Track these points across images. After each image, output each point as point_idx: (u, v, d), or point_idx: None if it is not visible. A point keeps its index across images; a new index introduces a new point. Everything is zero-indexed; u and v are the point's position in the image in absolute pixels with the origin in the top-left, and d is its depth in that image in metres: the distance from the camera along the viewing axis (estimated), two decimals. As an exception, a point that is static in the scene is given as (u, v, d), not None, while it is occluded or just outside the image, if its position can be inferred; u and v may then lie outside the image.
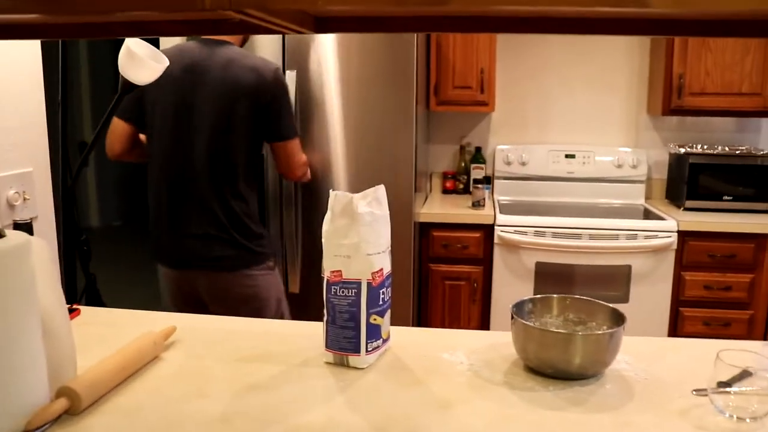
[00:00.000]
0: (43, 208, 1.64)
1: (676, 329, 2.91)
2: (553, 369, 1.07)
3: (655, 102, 3.24)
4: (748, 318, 2.86)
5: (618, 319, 1.15)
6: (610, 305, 1.19)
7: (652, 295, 2.87)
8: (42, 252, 0.93)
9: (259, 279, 2.03)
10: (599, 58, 3.40)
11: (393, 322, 1.20)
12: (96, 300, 1.54)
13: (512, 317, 1.14)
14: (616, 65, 3.40)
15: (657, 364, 1.14)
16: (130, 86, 1.50)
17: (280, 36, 2.61)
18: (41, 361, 0.89)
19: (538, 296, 1.24)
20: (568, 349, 1.06)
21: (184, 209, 1.98)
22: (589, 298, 1.22)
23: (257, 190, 2.09)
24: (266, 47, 2.64)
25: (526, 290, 2.93)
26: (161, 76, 1.55)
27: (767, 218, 2.86)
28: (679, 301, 2.89)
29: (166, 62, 1.52)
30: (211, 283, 2.01)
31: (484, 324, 3.02)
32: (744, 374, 0.93)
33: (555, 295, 1.24)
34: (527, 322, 1.14)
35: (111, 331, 1.29)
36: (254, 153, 2.03)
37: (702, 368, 1.09)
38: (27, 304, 0.86)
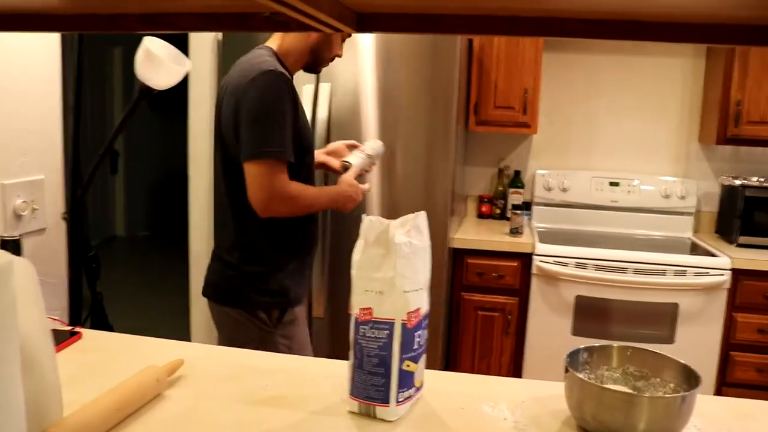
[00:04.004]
0: (53, 219, 1.53)
1: (725, 375, 2.69)
2: (613, 435, 0.92)
3: (708, 130, 3.05)
4: (806, 366, 2.65)
5: (689, 377, 0.99)
6: (681, 361, 1.03)
7: (700, 336, 2.67)
8: (26, 274, 0.80)
9: (248, 327, 1.65)
10: (650, 82, 3.22)
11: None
12: (102, 321, 1.41)
13: (566, 369, 0.98)
14: (667, 90, 3.21)
15: (735, 434, 0.97)
16: (147, 91, 1.38)
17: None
18: (18, 399, 0.76)
19: (596, 345, 1.08)
20: (632, 413, 0.90)
21: (217, 227, 1.76)
22: (654, 351, 1.06)
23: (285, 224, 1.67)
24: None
25: (563, 325, 2.75)
26: None
27: (829, 259, 2.65)
28: (729, 345, 2.68)
29: (188, 65, 1.40)
30: (210, 311, 1.73)
31: (516, 358, 2.84)
32: None
33: (615, 344, 1.08)
34: (582, 376, 0.99)
35: (112, 361, 1.17)
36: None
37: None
38: (4, 332, 0.73)
